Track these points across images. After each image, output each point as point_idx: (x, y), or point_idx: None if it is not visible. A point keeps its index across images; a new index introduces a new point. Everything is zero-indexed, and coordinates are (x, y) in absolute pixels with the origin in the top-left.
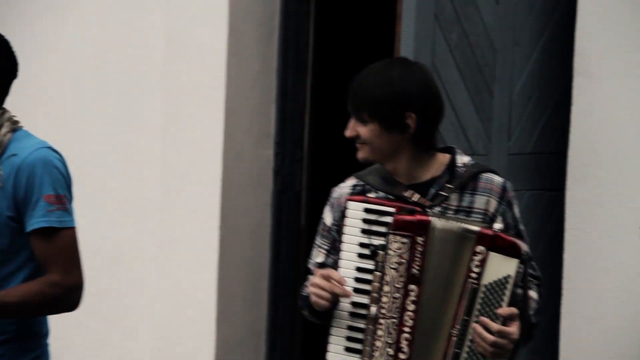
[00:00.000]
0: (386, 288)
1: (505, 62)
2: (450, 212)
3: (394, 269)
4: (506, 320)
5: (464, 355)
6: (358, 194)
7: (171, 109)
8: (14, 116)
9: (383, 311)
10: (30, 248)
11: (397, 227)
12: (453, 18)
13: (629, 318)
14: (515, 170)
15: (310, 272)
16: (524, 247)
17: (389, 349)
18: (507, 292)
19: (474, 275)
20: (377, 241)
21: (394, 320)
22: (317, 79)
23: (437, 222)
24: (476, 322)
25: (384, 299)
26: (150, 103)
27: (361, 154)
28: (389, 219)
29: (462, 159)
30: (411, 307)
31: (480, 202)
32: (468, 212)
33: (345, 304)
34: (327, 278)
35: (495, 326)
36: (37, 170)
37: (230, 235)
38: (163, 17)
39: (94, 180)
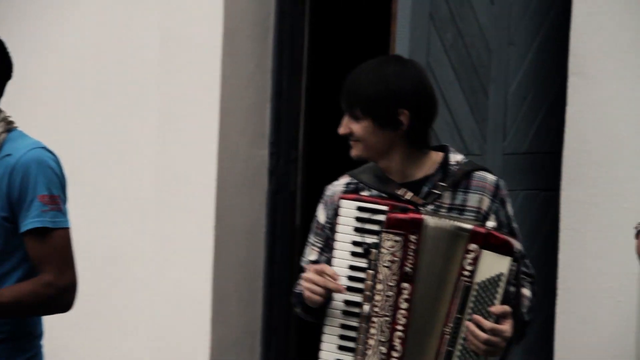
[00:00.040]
0: (379, 286)
1: (500, 62)
2: (443, 210)
3: (386, 267)
4: (499, 318)
5: (457, 353)
6: (351, 192)
7: (166, 108)
8: (8, 116)
9: (376, 309)
10: (24, 249)
11: (390, 225)
12: (448, 18)
13: (624, 318)
14: (510, 170)
15: (303, 270)
16: (516, 245)
17: (381, 347)
18: (500, 290)
19: (466, 273)
20: (370, 239)
21: (386, 318)
22: (312, 79)
23: (430, 220)
24: (469, 320)
25: (377, 297)
26: (146, 103)
27: (354, 152)
28: (381, 217)
29: (455, 157)
30: (404, 305)
31: (473, 200)
32: (461, 210)
33: (338, 303)
34: (321, 273)
35: (488, 324)
36: (32, 170)
37: (225, 235)
38: (158, 17)
39: (89, 180)
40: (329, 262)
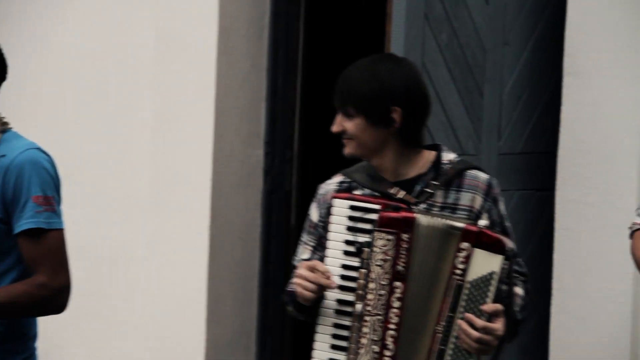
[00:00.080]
0: (371, 285)
1: (495, 62)
2: (436, 208)
3: (379, 266)
4: (491, 316)
5: (449, 351)
6: (344, 190)
7: (161, 108)
8: (3, 117)
9: (368, 308)
10: (19, 250)
11: (383, 224)
12: (443, 18)
13: (619, 317)
14: (505, 170)
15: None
16: (509, 243)
17: (374, 346)
18: (492, 289)
19: (458, 271)
20: (363, 238)
21: (379, 317)
22: (307, 78)
23: (422, 219)
24: (461, 318)
25: (370, 296)
26: (140, 103)
27: (347, 149)
28: (374, 216)
29: (448, 156)
30: (396, 304)
31: (465, 198)
32: (453, 208)
33: (331, 302)
34: (313, 269)
35: (480, 322)
36: (26, 171)
37: (220, 235)
38: (153, 16)
39: (84, 181)
40: (321, 260)
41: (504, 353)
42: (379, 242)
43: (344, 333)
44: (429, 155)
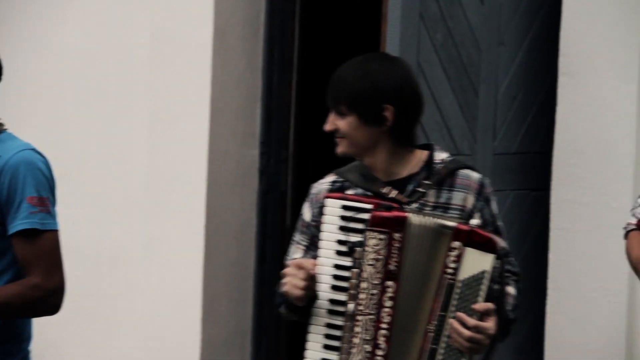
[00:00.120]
0: (363, 285)
1: (490, 62)
2: (428, 208)
3: (371, 265)
4: (482, 315)
5: (441, 350)
6: (337, 190)
7: (156, 108)
8: None
9: (360, 308)
10: (13, 251)
11: (374, 224)
12: (438, 18)
13: (614, 317)
14: (500, 170)
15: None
16: (500, 242)
17: (366, 346)
18: (484, 288)
19: (450, 270)
20: (355, 238)
21: (371, 316)
22: (303, 78)
23: (414, 218)
24: (453, 317)
25: (362, 296)
26: (136, 102)
27: (340, 148)
28: (366, 216)
29: (440, 155)
30: (388, 303)
31: (457, 198)
32: (445, 208)
33: (323, 302)
34: (300, 267)
35: (471, 321)
36: (20, 171)
37: (215, 235)
38: (148, 16)
39: (80, 180)
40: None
41: (499, 353)
42: (371, 242)
43: (337, 333)
44: (422, 155)
